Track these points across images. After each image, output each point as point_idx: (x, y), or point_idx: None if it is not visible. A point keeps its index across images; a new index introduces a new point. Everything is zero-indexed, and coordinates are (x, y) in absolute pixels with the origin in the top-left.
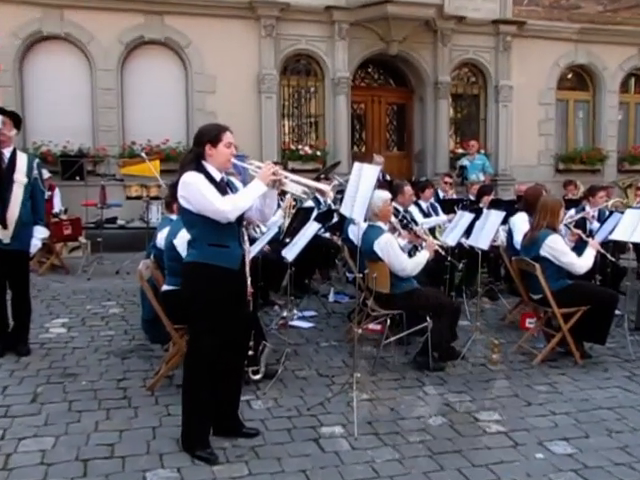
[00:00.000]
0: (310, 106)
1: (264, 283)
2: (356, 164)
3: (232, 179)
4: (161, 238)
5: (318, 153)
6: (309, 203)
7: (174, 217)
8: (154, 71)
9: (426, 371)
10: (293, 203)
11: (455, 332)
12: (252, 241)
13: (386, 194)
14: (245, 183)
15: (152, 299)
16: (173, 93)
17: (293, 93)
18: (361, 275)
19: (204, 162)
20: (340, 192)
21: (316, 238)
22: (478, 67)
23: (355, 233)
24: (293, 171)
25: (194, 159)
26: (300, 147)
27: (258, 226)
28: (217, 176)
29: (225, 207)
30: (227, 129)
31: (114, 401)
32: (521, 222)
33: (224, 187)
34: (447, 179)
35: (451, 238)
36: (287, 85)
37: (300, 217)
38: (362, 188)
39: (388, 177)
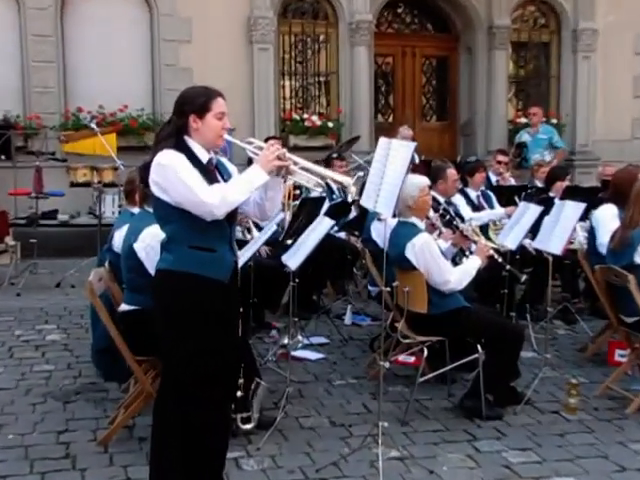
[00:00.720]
0: (319, 61)
1: (258, 300)
2: (382, 140)
3: (223, 160)
4: (119, 239)
5: (330, 124)
6: (318, 192)
7: (136, 211)
8: (107, 12)
9: (477, 420)
10: (296, 192)
11: (517, 367)
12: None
13: (423, 180)
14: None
15: (107, 322)
16: (134, 43)
17: (296, 43)
18: (389, 289)
19: (187, 138)
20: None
21: (327, 239)
22: (549, 4)
23: (380, 232)
24: (296, 149)
25: (173, 133)
26: (306, 116)
27: (249, 230)
28: (204, 157)
29: (212, 200)
30: (219, 94)
31: (53, 461)
32: (608, 217)
33: (212, 172)
34: (501, 157)
35: (511, 239)
36: (288, 32)
37: (306, 211)
38: (390, 172)
39: (417, 157)
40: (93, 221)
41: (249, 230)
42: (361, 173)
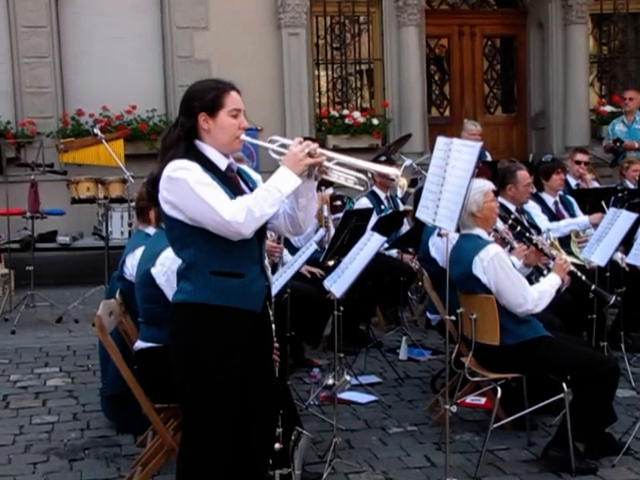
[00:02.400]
0: (360, 46)
1: (296, 333)
2: (440, 139)
3: (244, 168)
4: (132, 265)
5: (375, 121)
6: (363, 202)
7: (151, 231)
8: None
9: (565, 474)
10: (336, 203)
11: (612, 409)
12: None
13: (486, 183)
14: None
15: (119, 363)
16: (141, 32)
17: (332, 26)
18: (452, 318)
19: (198, 142)
20: (413, 182)
21: (377, 258)
22: None
23: (441, 249)
24: (335, 151)
25: (182, 138)
26: (346, 113)
27: (275, 266)
28: (221, 163)
29: (237, 217)
30: (232, 88)
31: None
32: None
33: (234, 179)
34: (579, 157)
35: (598, 254)
36: (322, 14)
37: (351, 226)
38: (452, 179)
39: (489, 156)
40: (99, 243)
41: (275, 267)
42: (409, 161)
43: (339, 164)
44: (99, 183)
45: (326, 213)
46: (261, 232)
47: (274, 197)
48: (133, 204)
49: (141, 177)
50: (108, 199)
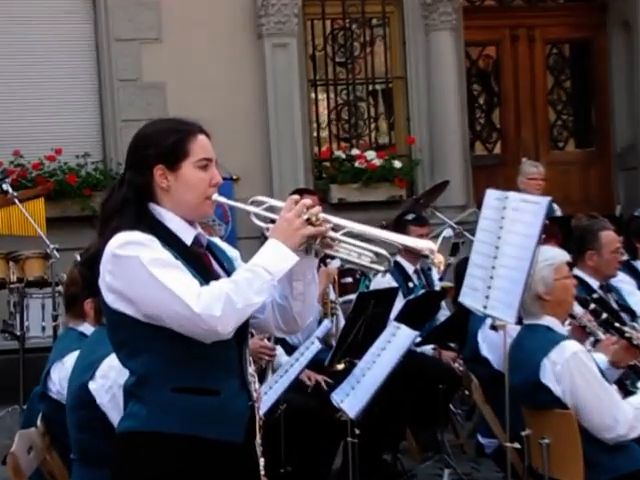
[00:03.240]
0: (374, 60)
1: (294, 467)
2: (490, 194)
3: (216, 241)
4: (60, 379)
5: (396, 164)
6: (383, 279)
7: (88, 329)
8: (23, 3)
9: None
10: (345, 280)
11: None
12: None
13: (558, 253)
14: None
15: None
16: (68, 49)
17: (335, 34)
18: (517, 445)
19: (154, 206)
20: (455, 249)
21: (406, 358)
22: None
23: (495, 345)
24: (342, 207)
25: (131, 201)
26: (355, 152)
27: (264, 372)
28: (187, 235)
29: (212, 309)
30: (199, 129)
31: None
32: None
33: (204, 259)
34: None
35: None
36: (320, 17)
37: (368, 313)
38: (509, 248)
39: (558, 211)
40: (11, 345)
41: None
42: (449, 232)
43: (350, 234)
44: (11, 260)
45: (333, 296)
46: (242, 331)
47: (262, 281)
48: (59, 289)
49: (70, 249)
50: (24, 282)
